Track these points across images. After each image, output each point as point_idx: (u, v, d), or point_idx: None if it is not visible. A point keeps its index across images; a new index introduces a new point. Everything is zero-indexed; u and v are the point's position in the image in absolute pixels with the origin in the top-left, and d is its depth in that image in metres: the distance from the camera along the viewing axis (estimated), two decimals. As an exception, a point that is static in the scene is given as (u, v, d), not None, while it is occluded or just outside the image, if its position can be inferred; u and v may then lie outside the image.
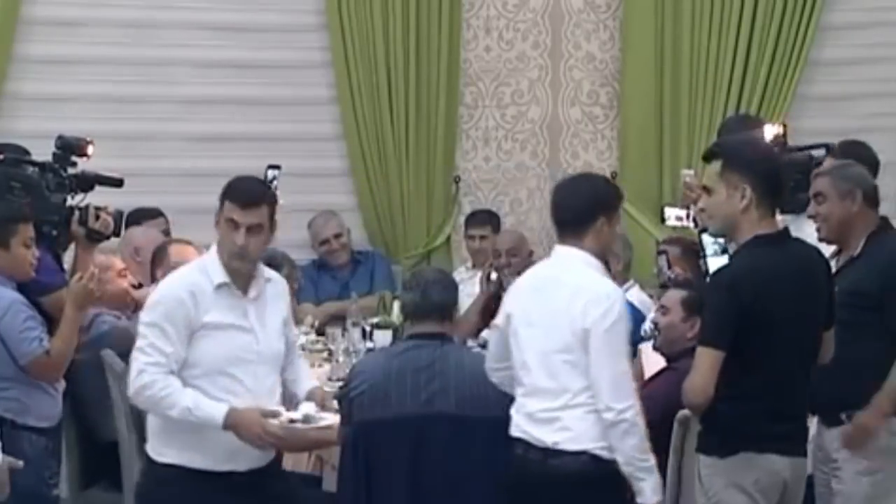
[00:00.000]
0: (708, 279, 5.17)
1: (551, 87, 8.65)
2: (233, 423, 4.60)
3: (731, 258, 4.51)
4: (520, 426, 4.59)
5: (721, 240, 5.01)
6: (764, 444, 4.42)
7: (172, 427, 4.67)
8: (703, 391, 4.37)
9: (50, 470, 5.38)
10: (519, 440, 4.58)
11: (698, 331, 5.13)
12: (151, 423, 4.79)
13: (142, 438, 5.72)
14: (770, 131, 6.69)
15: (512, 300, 4.74)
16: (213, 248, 4.79)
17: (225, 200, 4.76)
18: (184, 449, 4.66)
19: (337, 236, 8.04)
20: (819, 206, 5.14)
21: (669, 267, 6.34)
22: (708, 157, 4.52)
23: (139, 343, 4.65)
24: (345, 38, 8.18)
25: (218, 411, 4.59)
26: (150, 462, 4.79)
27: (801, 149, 6.34)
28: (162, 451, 4.73)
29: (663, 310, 5.45)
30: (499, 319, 4.76)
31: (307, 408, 4.78)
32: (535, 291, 4.66)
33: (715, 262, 4.86)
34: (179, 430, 4.65)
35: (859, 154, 5.62)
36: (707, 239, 4.96)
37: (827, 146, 6.32)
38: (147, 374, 4.59)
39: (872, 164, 5.57)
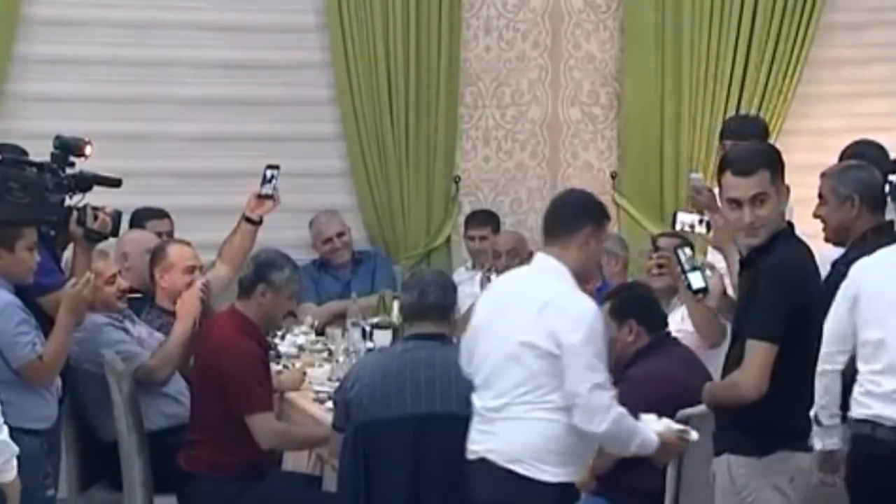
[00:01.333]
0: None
1: (551, 87, 8.65)
2: (662, 444, 4.60)
3: (759, 250, 4.46)
4: (868, 406, 4.59)
5: (690, 254, 4.99)
6: (796, 443, 4.42)
7: (565, 444, 4.50)
8: (757, 387, 4.31)
9: (44, 471, 5.36)
10: (864, 421, 4.59)
11: (637, 338, 5.26)
12: (548, 444, 4.48)
13: (142, 438, 5.76)
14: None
15: (860, 279, 4.71)
16: (557, 262, 4.57)
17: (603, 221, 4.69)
18: (568, 464, 4.53)
19: (339, 235, 8.04)
20: (821, 207, 5.17)
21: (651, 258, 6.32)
22: (750, 170, 4.42)
23: (597, 378, 4.40)
24: (345, 38, 8.17)
25: (653, 435, 4.57)
26: (545, 485, 4.48)
27: None
28: (557, 470, 4.51)
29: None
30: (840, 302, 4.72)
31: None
32: (888, 269, 4.67)
33: (693, 278, 4.85)
34: (571, 445, 4.51)
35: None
36: (684, 254, 4.94)
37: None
38: (615, 407, 4.44)
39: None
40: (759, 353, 4.32)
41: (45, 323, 5.48)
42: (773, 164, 4.45)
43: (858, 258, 4.86)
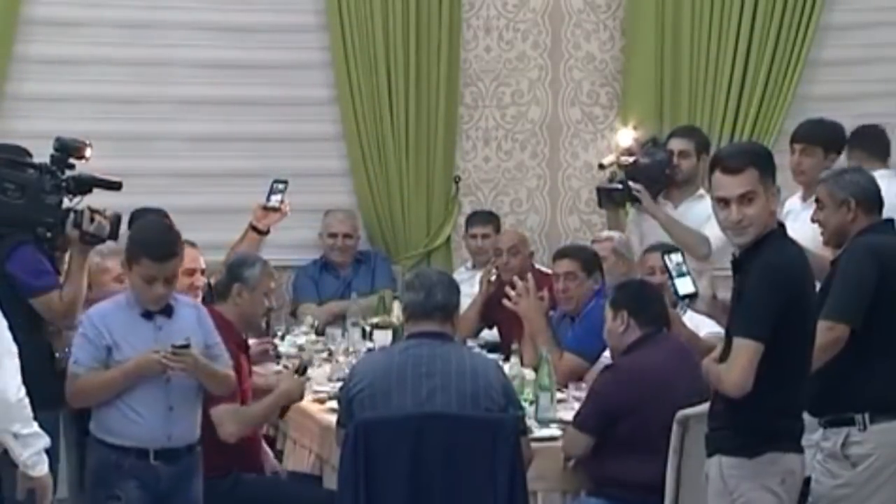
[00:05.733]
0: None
1: (551, 87, 8.65)
2: None
3: (750, 251, 4.46)
4: None
5: (678, 259, 5.03)
6: (786, 444, 4.41)
7: None
8: (741, 386, 4.28)
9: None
10: None
11: (627, 330, 5.33)
12: None
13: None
14: (627, 136, 7.22)
15: None
16: None
17: None
18: None
19: (346, 236, 8.04)
20: (819, 212, 5.20)
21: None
22: (740, 168, 4.39)
23: None
24: (345, 38, 8.18)
25: None
26: None
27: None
28: None
29: None
30: None
31: None
32: None
33: (680, 283, 4.88)
34: None
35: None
36: (671, 261, 4.97)
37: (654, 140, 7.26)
38: None
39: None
40: (744, 352, 4.30)
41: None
42: (763, 163, 4.43)
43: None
